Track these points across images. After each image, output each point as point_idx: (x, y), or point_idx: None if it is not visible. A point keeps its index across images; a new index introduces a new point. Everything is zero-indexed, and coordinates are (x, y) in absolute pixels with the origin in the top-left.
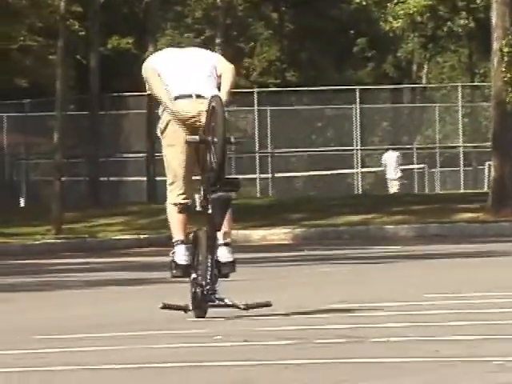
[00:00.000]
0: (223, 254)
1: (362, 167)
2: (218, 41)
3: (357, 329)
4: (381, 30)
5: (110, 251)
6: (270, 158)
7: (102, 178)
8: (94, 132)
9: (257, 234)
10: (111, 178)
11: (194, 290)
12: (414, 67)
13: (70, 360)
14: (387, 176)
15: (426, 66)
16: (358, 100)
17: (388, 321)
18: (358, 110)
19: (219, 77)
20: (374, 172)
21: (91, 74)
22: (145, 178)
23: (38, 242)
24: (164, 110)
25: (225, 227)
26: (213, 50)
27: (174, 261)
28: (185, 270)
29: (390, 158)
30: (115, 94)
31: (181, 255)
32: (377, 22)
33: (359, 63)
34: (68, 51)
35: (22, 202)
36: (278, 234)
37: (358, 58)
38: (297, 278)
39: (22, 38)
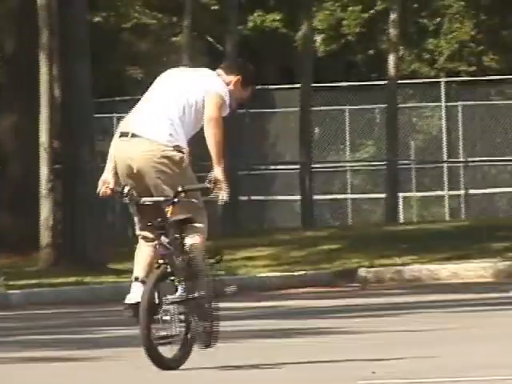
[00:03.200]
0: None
1: None
2: (392, 16)
3: None
4: None
5: (253, 292)
6: (462, 170)
7: (241, 197)
8: (231, 136)
9: (447, 270)
10: (254, 197)
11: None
12: None
13: None
14: None
15: None
16: None
17: None
18: None
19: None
20: None
21: (227, 61)
22: (298, 197)
23: None
24: None
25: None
26: (386, 29)
27: (124, 301)
28: (135, 309)
29: None
30: (258, 87)
31: (132, 293)
32: None
33: None
34: (197, 31)
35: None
36: (475, 270)
37: None
38: (503, 327)
39: (135, 15)
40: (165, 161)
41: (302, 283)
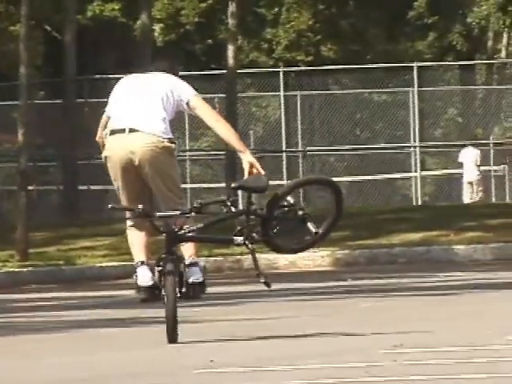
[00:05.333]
0: (192, 275)
1: (422, 170)
2: (231, 8)
3: (423, 382)
4: None
5: (91, 282)
6: (300, 159)
7: (81, 187)
8: (71, 126)
9: (285, 259)
10: (93, 187)
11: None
12: (490, 37)
13: None
14: (464, 180)
15: (505, 36)
16: (415, 81)
17: (462, 371)
18: (415, 95)
19: (182, 103)
20: (437, 176)
21: (66, 51)
22: None
23: None
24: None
25: (193, 245)
26: (225, 19)
27: (137, 284)
28: (149, 293)
29: (469, 157)
30: (97, 77)
31: (143, 277)
32: None
33: (417, 33)
34: (35, 20)
35: None
36: (313, 259)
37: (416, 25)
38: (339, 315)
39: None
40: (163, 151)
41: None
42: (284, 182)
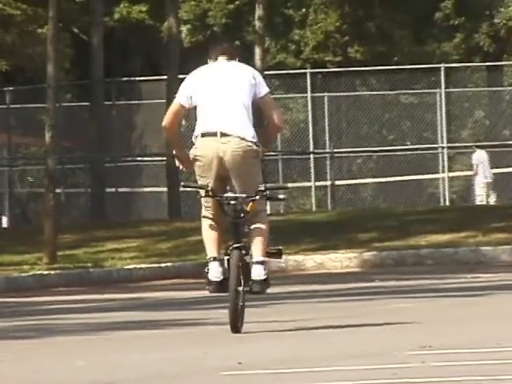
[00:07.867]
0: (255, 272)
1: (449, 171)
2: (258, 11)
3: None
4: None
5: (120, 284)
6: (328, 161)
7: (108, 189)
8: (98, 129)
9: (313, 261)
10: (121, 189)
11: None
12: None
13: None
14: (478, 181)
15: None
16: (442, 82)
17: (490, 372)
18: (443, 96)
19: (260, 98)
20: (465, 177)
21: (93, 53)
22: (165, 189)
23: (25, 275)
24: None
25: (260, 244)
26: (252, 20)
27: (207, 278)
28: (218, 287)
29: (484, 159)
30: (125, 79)
31: (214, 272)
32: None
33: (444, 34)
34: (62, 23)
35: (5, 222)
36: (341, 260)
37: (443, 27)
38: (366, 317)
39: None
40: (251, 155)
41: (169, 274)
42: (311, 184)
